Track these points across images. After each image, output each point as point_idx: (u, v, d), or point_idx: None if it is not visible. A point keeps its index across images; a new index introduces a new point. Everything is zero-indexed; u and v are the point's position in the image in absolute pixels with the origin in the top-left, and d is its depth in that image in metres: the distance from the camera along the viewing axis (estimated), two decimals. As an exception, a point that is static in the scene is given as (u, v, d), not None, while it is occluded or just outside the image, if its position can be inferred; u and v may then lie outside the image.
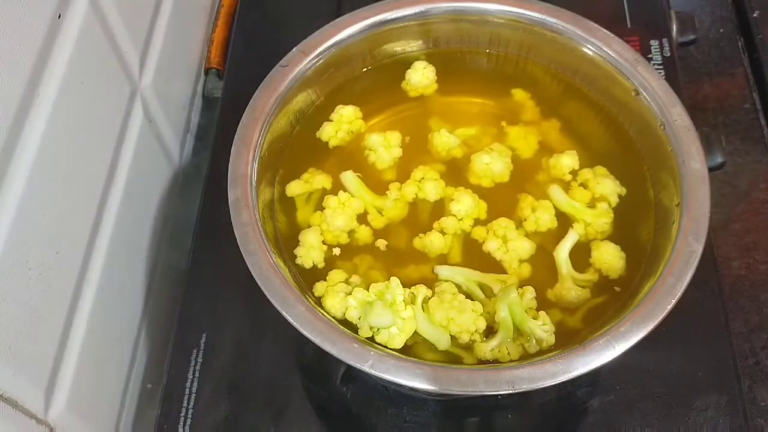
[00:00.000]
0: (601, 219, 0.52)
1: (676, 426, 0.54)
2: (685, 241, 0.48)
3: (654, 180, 0.53)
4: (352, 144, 0.57)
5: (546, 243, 0.52)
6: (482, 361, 0.47)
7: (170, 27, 0.65)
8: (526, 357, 0.47)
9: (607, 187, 0.53)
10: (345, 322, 0.48)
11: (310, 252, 0.51)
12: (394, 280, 0.48)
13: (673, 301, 0.46)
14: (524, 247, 0.51)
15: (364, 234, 0.53)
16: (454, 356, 0.48)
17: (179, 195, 0.70)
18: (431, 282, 0.50)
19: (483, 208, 0.53)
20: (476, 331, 0.48)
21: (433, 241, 0.52)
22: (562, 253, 0.51)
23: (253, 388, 0.56)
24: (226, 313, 0.59)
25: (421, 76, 0.59)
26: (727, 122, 0.68)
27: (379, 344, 0.47)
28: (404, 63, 0.60)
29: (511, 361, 0.47)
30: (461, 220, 0.53)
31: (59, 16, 0.47)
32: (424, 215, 0.54)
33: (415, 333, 0.48)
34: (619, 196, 0.53)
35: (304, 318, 0.45)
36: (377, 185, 0.55)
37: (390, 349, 0.46)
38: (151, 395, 0.62)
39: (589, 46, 0.55)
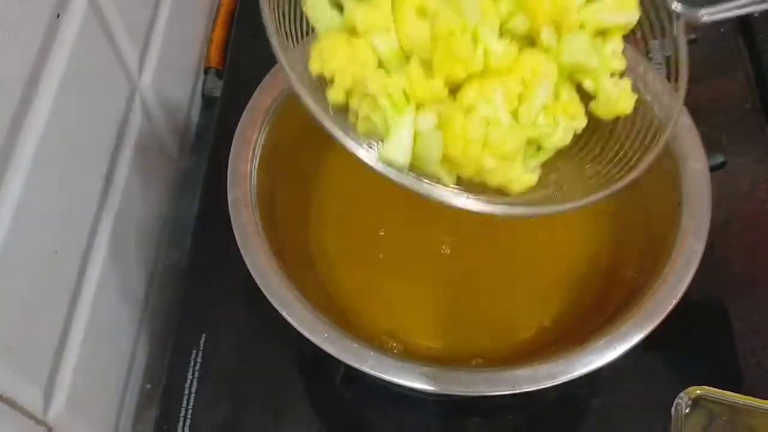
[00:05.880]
0: None
1: (677, 426, 0.53)
2: (686, 241, 0.48)
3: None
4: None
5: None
6: None
7: (169, 26, 0.65)
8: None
9: None
10: None
11: None
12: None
13: (674, 302, 0.46)
14: None
15: None
16: None
17: (178, 194, 0.69)
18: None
19: None
20: None
21: None
22: None
23: (253, 388, 0.56)
24: (226, 313, 0.59)
25: None
26: (728, 122, 0.67)
27: None
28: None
29: None
30: None
31: (58, 16, 0.47)
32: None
33: None
34: None
35: (304, 318, 0.45)
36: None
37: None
38: (150, 396, 0.62)
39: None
